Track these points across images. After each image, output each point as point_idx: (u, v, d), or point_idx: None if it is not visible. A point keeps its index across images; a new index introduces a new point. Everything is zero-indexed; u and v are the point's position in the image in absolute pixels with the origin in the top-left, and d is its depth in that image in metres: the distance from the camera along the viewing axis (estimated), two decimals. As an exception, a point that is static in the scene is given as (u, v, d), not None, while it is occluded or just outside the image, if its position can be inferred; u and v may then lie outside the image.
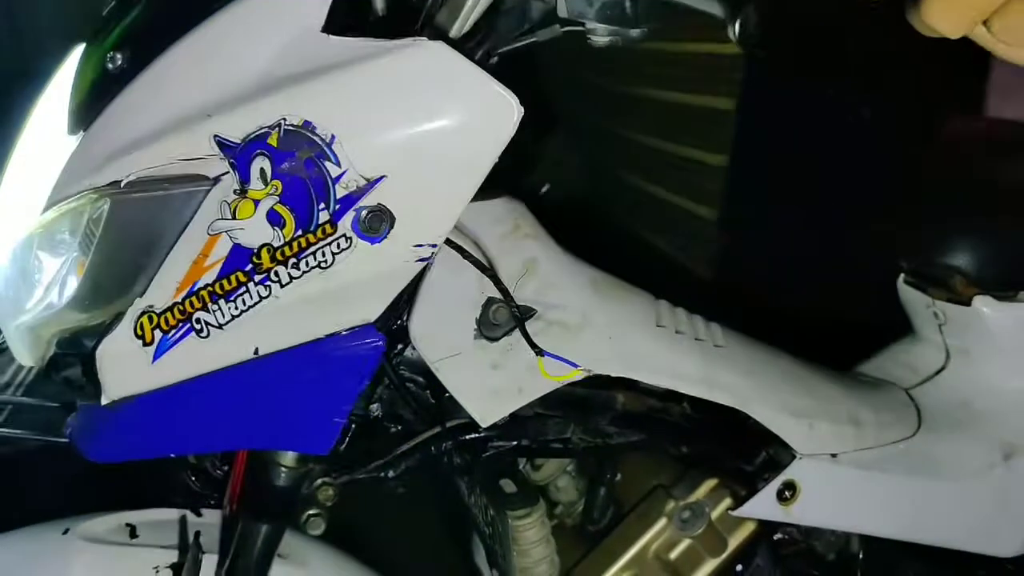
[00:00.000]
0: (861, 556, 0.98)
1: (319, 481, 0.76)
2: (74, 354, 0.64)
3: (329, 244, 0.61)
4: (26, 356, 0.66)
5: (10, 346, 0.67)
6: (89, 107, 0.62)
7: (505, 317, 0.74)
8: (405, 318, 0.71)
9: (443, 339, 0.73)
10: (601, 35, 0.64)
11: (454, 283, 0.71)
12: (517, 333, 0.75)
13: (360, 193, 0.60)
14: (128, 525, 0.86)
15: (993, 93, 1.13)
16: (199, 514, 0.88)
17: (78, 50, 0.69)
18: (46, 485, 1.34)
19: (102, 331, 0.61)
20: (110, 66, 0.62)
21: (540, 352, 0.73)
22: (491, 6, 0.63)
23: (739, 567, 0.90)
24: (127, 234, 0.59)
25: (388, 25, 0.61)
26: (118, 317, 0.61)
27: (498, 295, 0.74)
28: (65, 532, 0.84)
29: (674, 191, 2.53)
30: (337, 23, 0.59)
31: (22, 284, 0.62)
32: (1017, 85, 1.10)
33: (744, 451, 0.89)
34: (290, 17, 0.59)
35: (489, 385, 0.75)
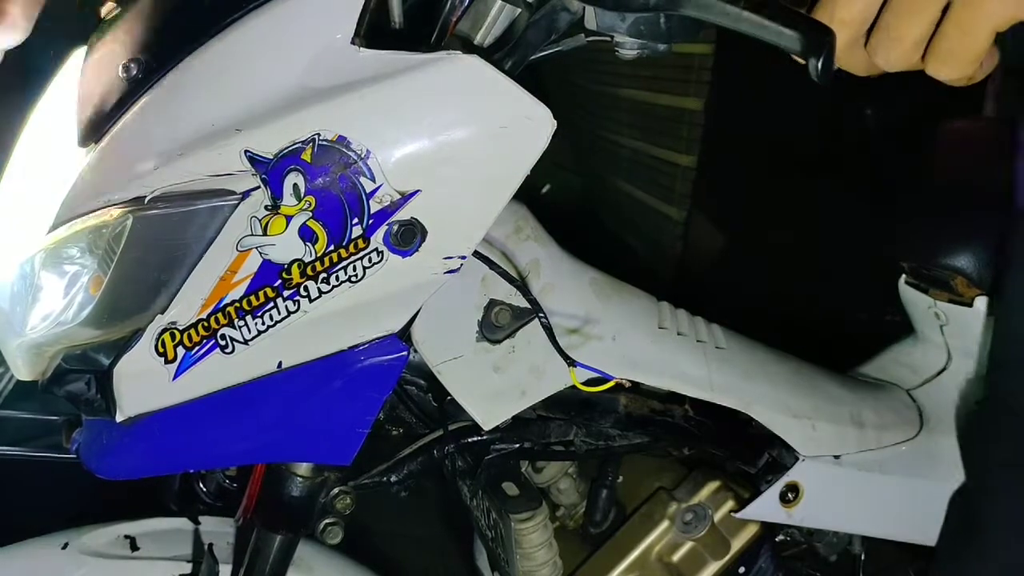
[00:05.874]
0: (863, 557, 0.98)
1: (336, 490, 0.76)
2: (84, 370, 0.62)
3: (361, 259, 0.60)
4: (25, 372, 0.64)
5: (8, 361, 0.65)
6: (101, 118, 0.60)
7: (507, 319, 0.74)
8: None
9: (445, 342, 0.73)
10: (629, 48, 0.62)
11: (456, 286, 0.71)
12: (519, 335, 0.75)
13: (394, 208, 0.60)
14: (127, 537, 0.85)
15: (992, 93, 1.14)
16: (198, 523, 0.88)
17: (79, 52, 0.68)
18: (41, 498, 1.33)
19: (119, 348, 0.60)
20: (123, 75, 0.60)
21: (572, 363, 0.72)
22: (517, 17, 0.63)
23: (742, 569, 0.90)
24: (150, 250, 0.58)
25: (407, 35, 0.61)
26: (137, 334, 0.60)
27: (499, 297, 0.74)
28: (64, 546, 0.83)
29: (658, 193, 2.54)
30: (364, 34, 0.58)
31: (30, 301, 0.61)
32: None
33: (747, 453, 0.89)
34: (317, 28, 0.58)
35: (491, 388, 0.74)
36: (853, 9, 0.56)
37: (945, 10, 0.54)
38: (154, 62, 0.60)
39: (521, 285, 0.73)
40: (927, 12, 0.54)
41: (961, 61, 0.54)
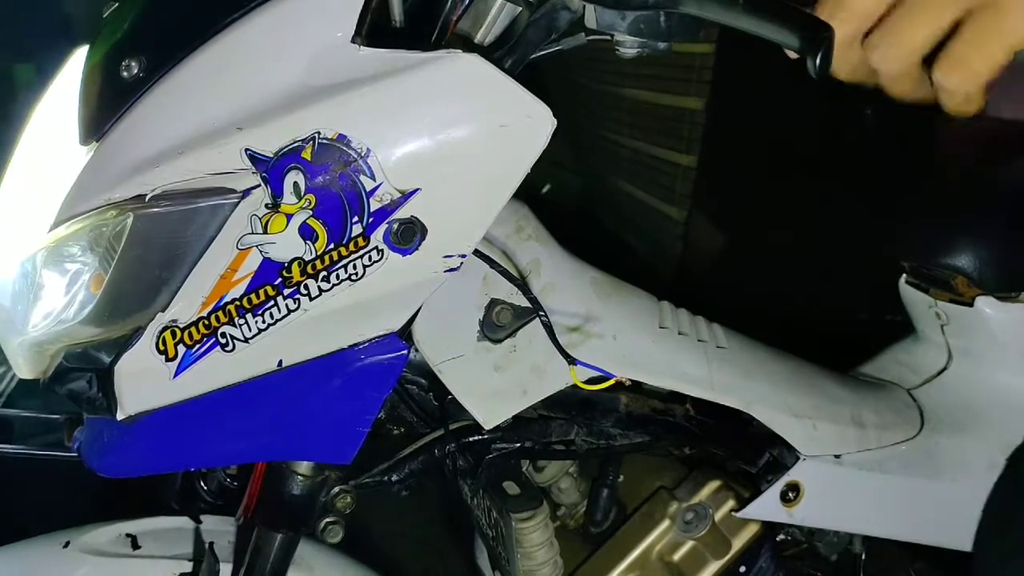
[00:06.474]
0: (864, 557, 0.98)
1: (336, 489, 0.76)
2: (85, 368, 0.62)
3: (361, 257, 0.61)
4: (27, 370, 0.64)
5: (10, 360, 0.65)
6: (103, 117, 0.60)
7: (508, 319, 0.74)
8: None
9: (446, 341, 0.73)
10: (629, 47, 0.63)
11: (457, 285, 0.71)
12: (520, 334, 0.75)
13: (394, 206, 0.60)
14: (129, 535, 0.85)
15: (993, 93, 1.14)
16: (199, 521, 0.88)
17: (81, 51, 0.68)
18: (42, 497, 1.33)
19: (120, 346, 0.60)
20: (125, 74, 0.60)
21: (572, 361, 0.72)
22: (517, 16, 0.63)
23: (742, 568, 0.90)
24: (150, 249, 0.58)
25: (408, 34, 0.61)
26: (137, 332, 0.60)
27: (501, 297, 0.74)
28: (66, 545, 0.83)
29: (658, 193, 2.54)
30: (365, 32, 0.58)
31: (31, 299, 0.61)
32: (1017, 85, 1.10)
33: (747, 452, 0.89)
34: (318, 26, 0.58)
35: (492, 387, 0.74)
36: (867, 1, 0.56)
37: (957, 25, 0.54)
38: (155, 61, 0.60)
39: (522, 284, 0.73)
40: (940, 19, 0.54)
41: (972, 71, 0.54)
